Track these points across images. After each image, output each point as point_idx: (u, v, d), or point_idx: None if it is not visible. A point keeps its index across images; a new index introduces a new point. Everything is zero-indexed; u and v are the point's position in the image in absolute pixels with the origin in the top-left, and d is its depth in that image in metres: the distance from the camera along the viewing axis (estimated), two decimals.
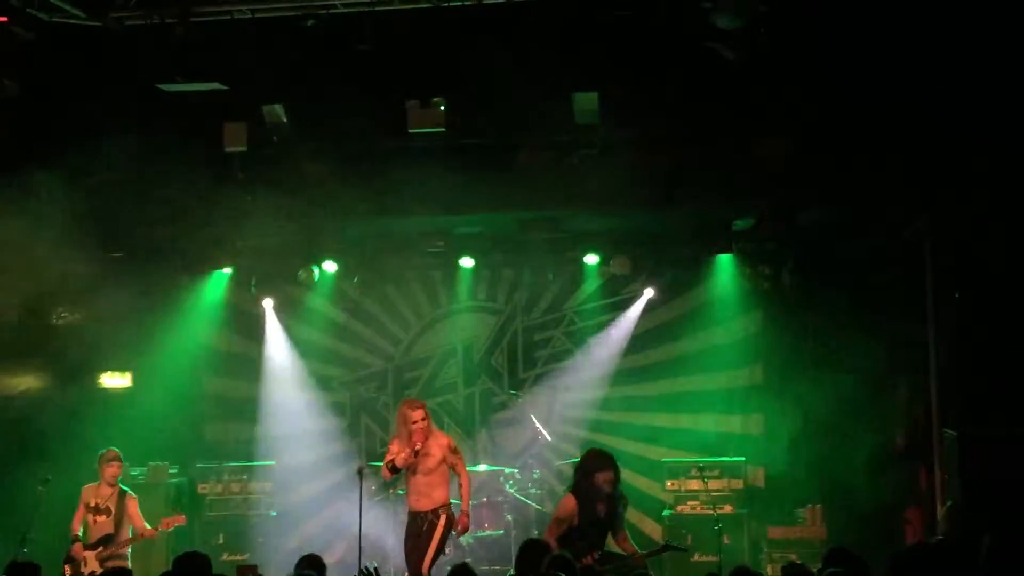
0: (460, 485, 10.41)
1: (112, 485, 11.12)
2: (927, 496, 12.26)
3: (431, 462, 10.34)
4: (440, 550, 10.37)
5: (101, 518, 11.02)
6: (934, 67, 9.78)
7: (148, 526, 11.06)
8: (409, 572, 10.45)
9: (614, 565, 9.78)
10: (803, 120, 10.86)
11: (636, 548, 10.24)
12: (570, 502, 9.90)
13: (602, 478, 9.84)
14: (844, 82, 10.20)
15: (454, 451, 10.42)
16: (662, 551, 10.63)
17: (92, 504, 11.08)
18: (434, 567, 10.33)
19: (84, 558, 10.80)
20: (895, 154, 11.03)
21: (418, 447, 10.21)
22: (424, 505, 10.38)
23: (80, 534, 11.00)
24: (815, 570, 7.47)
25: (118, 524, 11.01)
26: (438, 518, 10.34)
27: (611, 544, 10.29)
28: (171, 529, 11.27)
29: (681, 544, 10.97)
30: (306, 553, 8.13)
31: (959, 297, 11.91)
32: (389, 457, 10.42)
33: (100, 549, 10.88)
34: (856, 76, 10.08)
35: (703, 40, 9.49)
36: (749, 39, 9.14)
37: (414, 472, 10.38)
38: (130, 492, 11.26)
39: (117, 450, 11.30)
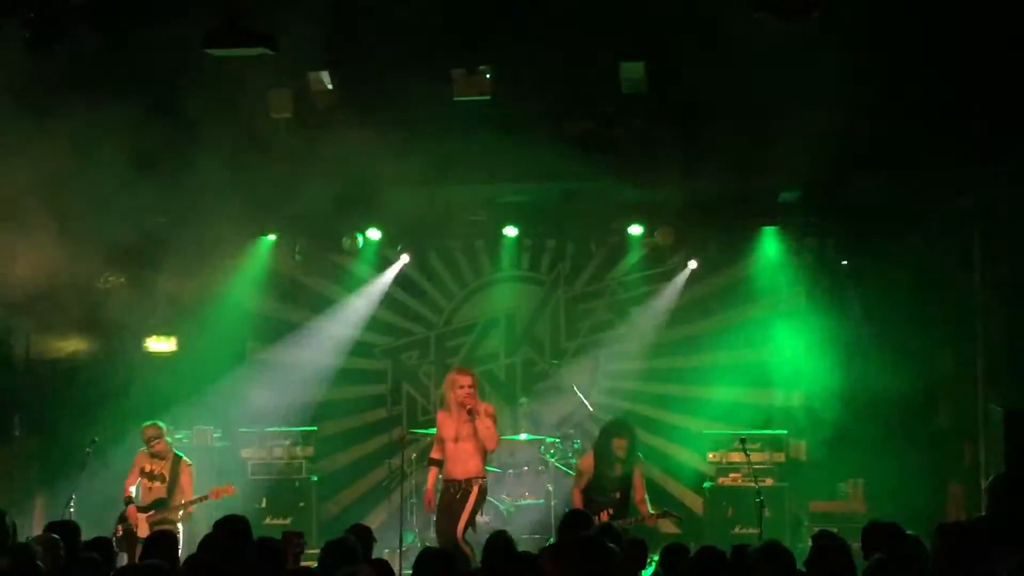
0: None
1: (163, 457, 11.20)
2: (971, 472, 12.18)
3: (470, 430, 10.41)
4: (472, 519, 10.48)
5: (156, 484, 11.13)
6: (989, 37, 9.64)
7: (194, 496, 11.12)
8: (438, 539, 10.54)
9: (627, 522, 10.68)
10: (852, 91, 10.73)
11: (649, 509, 10.97)
12: (588, 458, 11.22)
13: (616, 443, 10.98)
14: (896, 51, 10.07)
15: (488, 414, 10.50)
16: (663, 516, 11.07)
17: (147, 470, 11.17)
18: (469, 532, 10.41)
19: (137, 520, 10.91)
20: (945, 126, 10.89)
21: (469, 407, 10.32)
22: (459, 473, 10.48)
23: (133, 496, 11.11)
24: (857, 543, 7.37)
25: (171, 491, 11.11)
26: (471, 487, 10.44)
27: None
28: (220, 499, 11.29)
29: (678, 513, 11.49)
30: (345, 518, 8.20)
31: (1008, 272, 11.79)
32: (437, 445, 10.70)
33: (152, 513, 10.98)
34: (909, 44, 9.96)
35: (753, 8, 9.37)
36: (800, 8, 9.01)
37: (455, 440, 10.47)
38: (185, 459, 11.31)
39: (156, 424, 11.29)
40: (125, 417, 13.18)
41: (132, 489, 11.15)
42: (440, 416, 10.77)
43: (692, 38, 10.35)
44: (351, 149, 11.83)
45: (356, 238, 13.63)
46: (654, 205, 13.32)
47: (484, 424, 10.38)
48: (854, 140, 11.12)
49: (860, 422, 12.77)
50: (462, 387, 10.45)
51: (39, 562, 6.77)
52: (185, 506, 11.08)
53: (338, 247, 13.75)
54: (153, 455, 11.19)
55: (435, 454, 10.80)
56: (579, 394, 13.41)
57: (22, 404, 13.46)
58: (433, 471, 10.81)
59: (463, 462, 10.48)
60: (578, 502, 10.94)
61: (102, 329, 13.67)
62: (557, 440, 13.10)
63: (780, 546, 6.18)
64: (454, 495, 10.47)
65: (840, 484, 12.81)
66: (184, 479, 11.17)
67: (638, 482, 11.07)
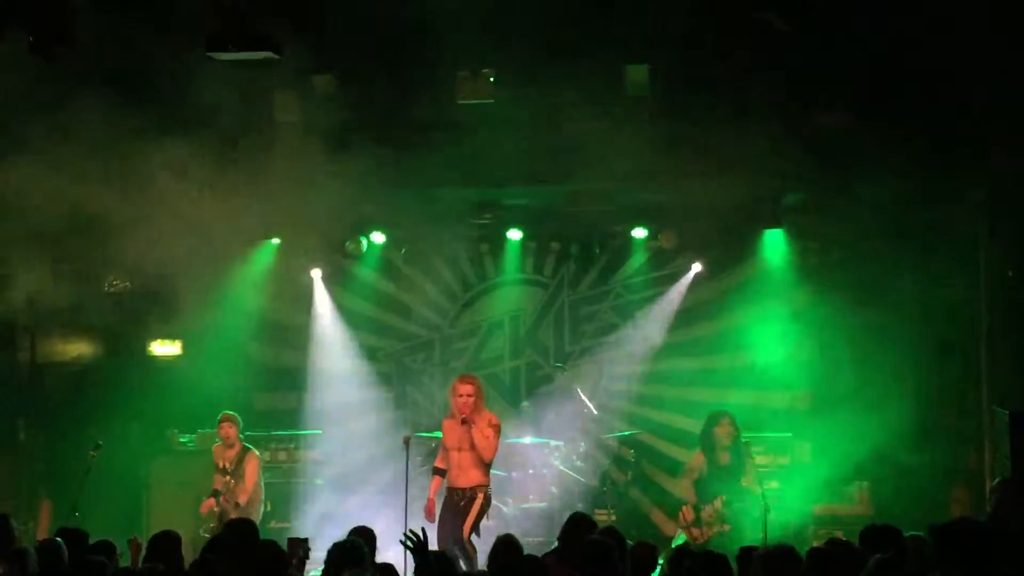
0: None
1: (231, 445, 11.39)
2: (976, 475, 12.16)
3: (470, 440, 10.40)
4: (477, 523, 10.49)
5: (227, 479, 11.32)
6: (993, 35, 9.64)
7: (250, 491, 11.26)
8: (439, 545, 10.53)
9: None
10: (856, 92, 10.74)
11: (760, 490, 10.97)
12: (698, 455, 11.54)
13: (719, 431, 11.38)
14: (899, 52, 10.07)
15: (490, 424, 10.49)
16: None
17: (220, 465, 11.39)
18: (474, 537, 10.40)
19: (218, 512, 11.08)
20: (950, 128, 10.88)
21: (463, 416, 10.31)
22: (462, 482, 10.50)
23: (221, 489, 11.30)
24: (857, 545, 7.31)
25: (236, 483, 11.28)
26: (476, 494, 10.46)
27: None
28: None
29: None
30: (350, 521, 8.20)
31: (1012, 275, 11.79)
32: (442, 453, 10.75)
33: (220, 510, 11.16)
34: (911, 44, 9.96)
35: (754, 10, 9.40)
36: (800, 8, 9.04)
37: (457, 449, 10.47)
38: (253, 450, 11.53)
39: (228, 413, 11.62)
40: (129, 421, 13.22)
41: (221, 482, 11.33)
42: (445, 424, 10.80)
43: (696, 40, 10.37)
44: (355, 152, 11.86)
45: (360, 241, 13.63)
46: (658, 208, 13.31)
47: (482, 434, 10.38)
48: (859, 140, 11.13)
49: (865, 424, 12.74)
50: (461, 395, 10.48)
51: (36, 568, 6.79)
52: (242, 506, 11.12)
53: (342, 250, 13.75)
54: (224, 443, 11.39)
55: (439, 463, 10.80)
56: (583, 397, 13.39)
57: (27, 408, 13.47)
58: (436, 480, 10.80)
59: (464, 471, 10.51)
60: (688, 493, 11.36)
61: (107, 333, 13.67)
62: (561, 443, 13.10)
63: (790, 550, 6.16)
64: (457, 503, 10.48)
65: (845, 487, 12.78)
66: (249, 468, 11.33)
67: (748, 466, 11.31)
